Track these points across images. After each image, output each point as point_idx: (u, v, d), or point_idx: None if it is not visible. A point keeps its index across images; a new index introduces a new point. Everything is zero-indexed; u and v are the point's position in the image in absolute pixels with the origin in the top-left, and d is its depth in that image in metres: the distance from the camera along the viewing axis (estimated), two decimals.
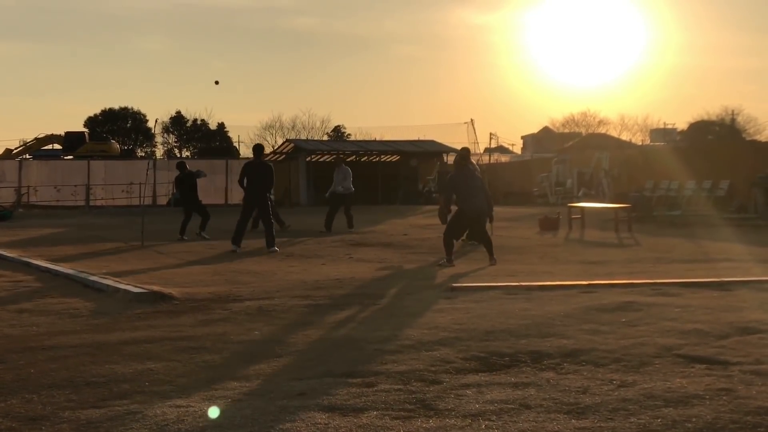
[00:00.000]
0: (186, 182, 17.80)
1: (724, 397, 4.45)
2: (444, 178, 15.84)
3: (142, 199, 21.60)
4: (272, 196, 16.04)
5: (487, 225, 12.32)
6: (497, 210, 20.17)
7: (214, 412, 4.35)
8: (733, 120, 65.83)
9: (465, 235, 14.80)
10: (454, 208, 12.12)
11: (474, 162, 12.68)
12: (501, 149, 68.22)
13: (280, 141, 56.59)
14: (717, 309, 7.12)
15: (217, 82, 10.77)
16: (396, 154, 41.25)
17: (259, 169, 14.24)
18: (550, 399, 4.47)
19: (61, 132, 55.80)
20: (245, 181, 14.17)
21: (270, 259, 12.77)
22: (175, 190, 18.80)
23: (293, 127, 72.37)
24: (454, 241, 11.97)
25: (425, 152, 39.83)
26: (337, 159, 19.39)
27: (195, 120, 74.60)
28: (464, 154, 12.76)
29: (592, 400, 4.44)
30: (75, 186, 37.52)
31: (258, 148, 15.12)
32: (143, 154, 70.10)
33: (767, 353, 5.47)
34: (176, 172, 18.32)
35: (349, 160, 41.54)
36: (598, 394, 4.56)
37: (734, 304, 7.44)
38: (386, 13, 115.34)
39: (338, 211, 18.65)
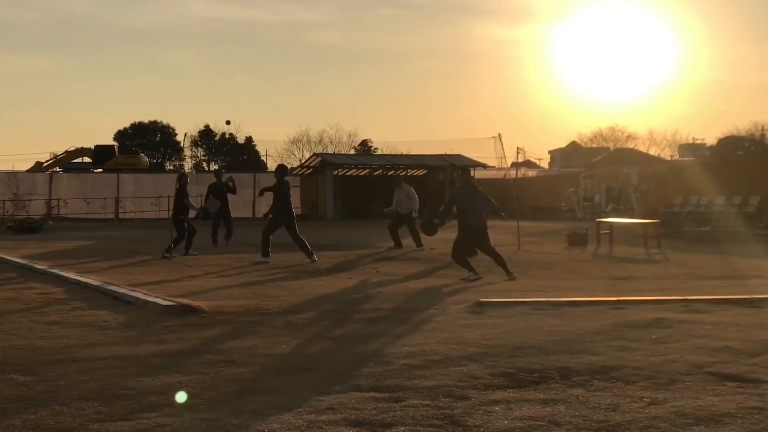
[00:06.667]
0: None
1: (756, 416, 4.39)
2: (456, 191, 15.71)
3: (171, 212, 21.77)
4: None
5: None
6: (524, 225, 20.11)
7: (181, 397, 4.84)
8: (762, 135, 65.13)
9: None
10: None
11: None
12: (528, 164, 68.10)
13: (307, 155, 56.85)
14: (748, 326, 7.03)
15: (228, 122, 10.91)
16: (423, 168, 41.21)
17: None
18: (579, 416, 4.43)
19: (91, 145, 56.36)
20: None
21: (297, 273, 12.80)
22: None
23: (320, 141, 72.71)
24: (468, 257, 11.93)
25: (452, 166, 39.77)
26: (395, 179, 19.15)
27: (223, 134, 75.18)
28: (464, 168, 12.93)
29: (622, 417, 4.40)
30: (104, 199, 37.93)
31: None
32: (172, 168, 70.69)
33: None
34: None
35: (375, 174, 41.69)
36: (628, 411, 4.52)
37: (765, 321, 7.35)
38: (409, 28, 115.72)
39: (401, 226, 17.87)
